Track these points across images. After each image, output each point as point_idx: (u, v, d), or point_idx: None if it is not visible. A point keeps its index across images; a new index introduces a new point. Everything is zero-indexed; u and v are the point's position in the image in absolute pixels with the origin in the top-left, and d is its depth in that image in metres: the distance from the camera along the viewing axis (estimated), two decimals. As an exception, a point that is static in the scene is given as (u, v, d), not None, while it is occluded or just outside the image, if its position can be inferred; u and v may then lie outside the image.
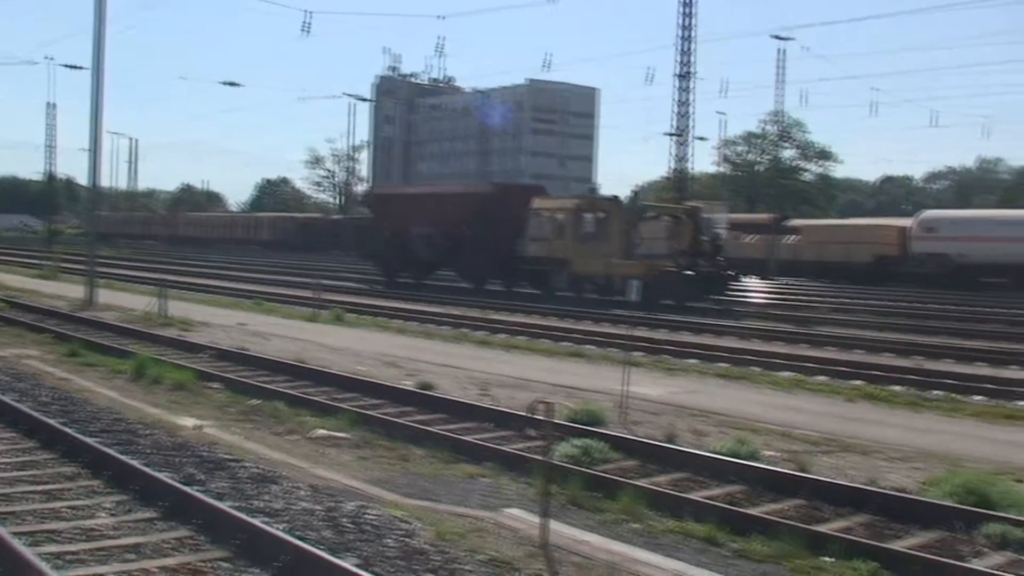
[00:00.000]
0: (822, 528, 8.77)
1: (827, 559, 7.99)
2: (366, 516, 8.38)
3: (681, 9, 56.89)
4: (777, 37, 75.98)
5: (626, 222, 36.44)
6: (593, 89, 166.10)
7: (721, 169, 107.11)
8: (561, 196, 50.70)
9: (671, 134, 59.75)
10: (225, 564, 7.27)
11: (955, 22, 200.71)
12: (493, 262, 39.93)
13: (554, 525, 8.19)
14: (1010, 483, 10.11)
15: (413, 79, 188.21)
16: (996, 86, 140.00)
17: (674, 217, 37.42)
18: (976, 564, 7.95)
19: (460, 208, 40.75)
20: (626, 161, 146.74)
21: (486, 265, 40.42)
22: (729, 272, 36.16)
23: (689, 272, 33.52)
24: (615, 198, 40.95)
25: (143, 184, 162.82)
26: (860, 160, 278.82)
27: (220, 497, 8.84)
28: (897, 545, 8.44)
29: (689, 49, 56.90)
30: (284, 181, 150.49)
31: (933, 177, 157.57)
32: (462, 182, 49.17)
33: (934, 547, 8.48)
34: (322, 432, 12.37)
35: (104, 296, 30.28)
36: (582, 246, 36.33)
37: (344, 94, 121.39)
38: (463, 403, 14.19)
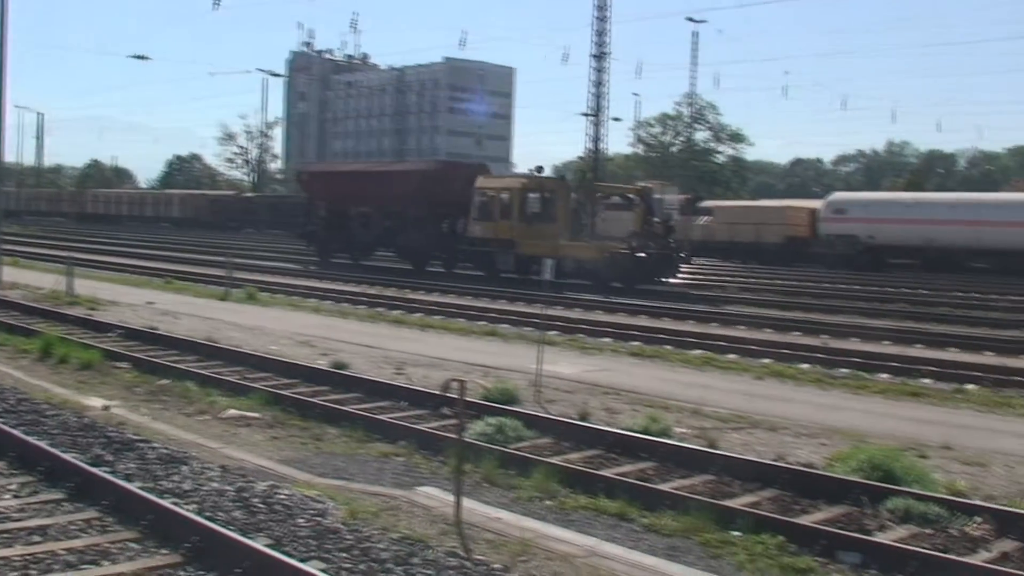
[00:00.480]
0: (731, 503, 8.92)
1: (736, 533, 8.14)
2: (278, 496, 8.32)
3: (597, -10, 56.98)
4: (691, 19, 76.63)
5: (576, 203, 35.77)
6: (510, 68, 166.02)
7: (636, 150, 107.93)
8: (506, 175, 50.41)
9: (587, 114, 59.96)
10: (134, 545, 7.17)
11: (865, 6, 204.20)
12: (435, 243, 39.07)
13: (468, 503, 8.22)
14: (914, 458, 10.37)
15: (328, 55, 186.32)
16: (904, 71, 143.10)
17: (625, 198, 36.84)
18: (880, 537, 8.16)
19: (401, 186, 39.52)
20: (542, 141, 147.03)
21: (427, 246, 39.40)
22: (681, 255, 35.66)
23: (641, 254, 32.91)
24: (562, 178, 40.47)
25: (50, 160, 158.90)
26: (771, 143, 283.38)
27: (128, 478, 8.71)
28: (804, 519, 8.62)
29: (604, 30, 57.08)
30: (195, 158, 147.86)
31: (843, 160, 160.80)
32: (404, 159, 46.96)
33: (840, 521, 8.68)
34: (233, 412, 12.24)
35: (9, 274, 29.52)
36: (528, 227, 35.58)
37: (257, 70, 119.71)
38: (378, 382, 14.13)
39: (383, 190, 40.11)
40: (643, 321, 24.18)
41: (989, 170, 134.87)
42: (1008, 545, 8.08)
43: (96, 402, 12.51)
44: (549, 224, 35.42)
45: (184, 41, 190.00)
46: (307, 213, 46.00)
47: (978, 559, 7.74)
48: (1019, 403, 14.26)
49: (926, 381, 16.19)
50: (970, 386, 15.67)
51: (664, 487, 9.41)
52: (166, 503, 7.78)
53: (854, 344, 20.75)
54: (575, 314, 25.01)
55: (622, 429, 11.45)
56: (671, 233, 35.23)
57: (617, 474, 9.81)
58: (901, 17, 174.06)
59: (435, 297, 29.24)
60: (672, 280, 34.55)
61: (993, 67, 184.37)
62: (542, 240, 34.64)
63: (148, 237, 66.59)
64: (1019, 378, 16.29)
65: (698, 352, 18.79)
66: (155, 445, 10.05)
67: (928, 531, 8.40)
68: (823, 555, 7.74)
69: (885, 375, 16.74)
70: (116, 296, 25.46)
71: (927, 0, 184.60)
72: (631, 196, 36.27)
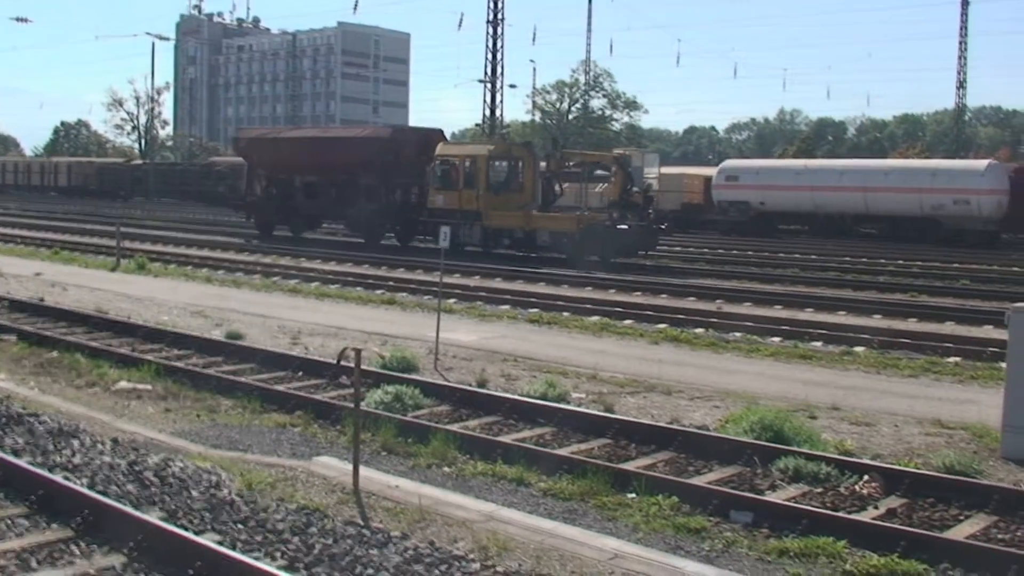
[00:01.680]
0: (627, 466, 9.04)
1: (631, 496, 8.25)
2: (171, 469, 8.18)
3: (492, -45, 56.73)
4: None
5: (546, 172, 33.90)
6: (406, 34, 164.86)
7: (533, 117, 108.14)
8: (468, 142, 48.78)
9: (483, 81, 59.68)
10: (23, 521, 7.00)
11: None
12: (388, 214, 36.68)
13: (365, 471, 8.20)
14: (803, 419, 10.63)
15: (218, 19, 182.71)
16: (795, 39, 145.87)
17: (600, 167, 35.34)
18: (771, 496, 8.34)
19: (352, 154, 36.67)
20: (440, 108, 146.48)
21: (381, 217, 36.74)
22: (661, 226, 33.53)
23: (623, 226, 30.77)
24: (529, 144, 38.27)
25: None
26: (666, 110, 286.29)
27: (16, 453, 8.50)
28: (697, 480, 8.77)
29: (500, -5, 56.84)
30: (82, 124, 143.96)
31: (736, 127, 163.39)
32: (354, 125, 43.00)
33: (732, 481, 8.86)
34: (124, 384, 12.00)
35: None
36: (495, 197, 33.22)
37: (145, 33, 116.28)
38: (273, 352, 13.98)
39: (332, 158, 37.39)
40: (541, 288, 24.29)
41: (877, 138, 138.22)
42: (895, 502, 8.32)
43: (-20, 376, 12.16)
44: (517, 194, 33.69)
45: (69, 3, 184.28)
46: (246, 183, 42.82)
47: (866, 516, 7.96)
48: (906, 364, 14.67)
49: (816, 344, 16.57)
50: (859, 348, 16.08)
51: (562, 452, 9.50)
52: (56, 477, 7.62)
53: (747, 309, 21.12)
54: (474, 282, 25.01)
55: (520, 395, 11.51)
56: (651, 204, 33.30)
57: (515, 440, 9.87)
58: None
59: (332, 266, 28.96)
60: (651, 253, 32.53)
61: (882, 36, 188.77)
62: (510, 211, 32.90)
63: (35, 206, 64.81)
64: (906, 340, 16.75)
65: (595, 318, 18.96)
66: (44, 419, 9.81)
67: (818, 490, 8.62)
68: (716, 515, 7.90)
69: (777, 339, 17.08)
70: (1, 267, 24.70)
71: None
72: (608, 164, 34.26)
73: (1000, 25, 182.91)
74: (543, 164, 34.95)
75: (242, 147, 44.19)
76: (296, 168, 39.35)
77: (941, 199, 42.92)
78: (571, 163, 35.88)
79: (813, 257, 35.38)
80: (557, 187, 33.63)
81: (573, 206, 34.38)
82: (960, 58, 69.90)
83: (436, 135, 38.45)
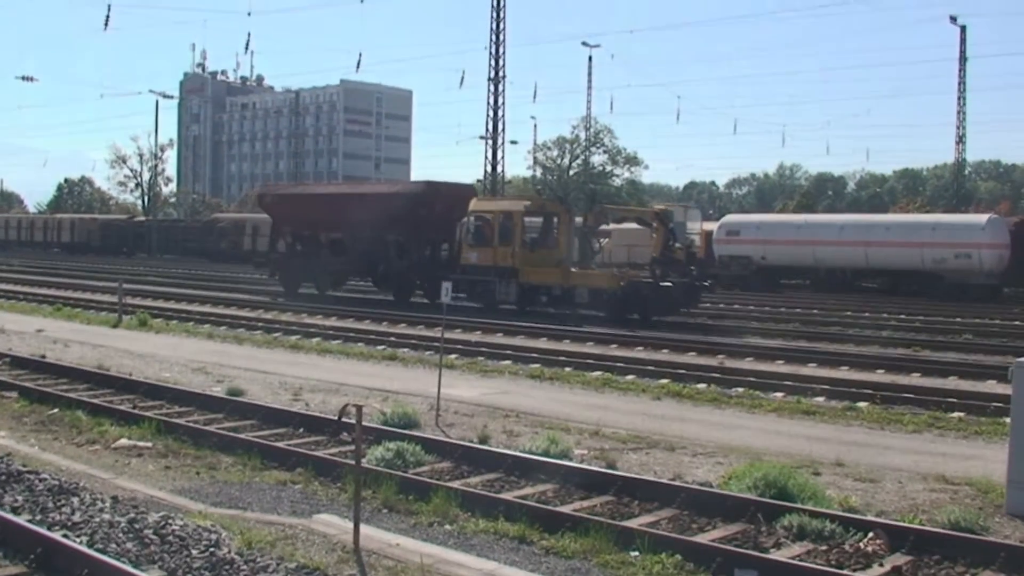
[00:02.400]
0: (630, 523, 8.97)
1: (634, 554, 8.17)
2: (171, 527, 8.12)
3: (492, 13, 57.31)
4: (585, 44, 77.46)
5: (585, 227, 32.95)
6: (408, 91, 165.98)
7: (534, 173, 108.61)
8: (504, 197, 47.53)
9: (484, 137, 60.08)
10: (19, 581, 6.94)
11: (752, 34, 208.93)
12: (420, 271, 35.46)
13: (366, 529, 8.13)
14: (807, 475, 10.55)
15: (221, 77, 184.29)
16: (794, 95, 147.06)
17: (642, 222, 34.17)
18: (776, 555, 8.27)
19: (383, 209, 35.53)
20: (441, 164, 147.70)
21: (412, 274, 35.77)
22: (705, 282, 32.70)
23: (666, 283, 29.96)
24: (563, 199, 38.25)
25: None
26: (666, 166, 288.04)
27: (16, 510, 8.45)
28: (701, 538, 8.69)
29: (499, 53, 57.34)
30: (86, 181, 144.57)
31: (736, 183, 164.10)
32: (384, 180, 41.56)
33: (736, 539, 8.78)
34: (125, 442, 11.95)
35: None
36: (532, 253, 32.43)
37: (149, 91, 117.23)
38: (274, 408, 13.94)
39: (361, 214, 35.90)
40: (543, 343, 24.26)
41: (877, 192, 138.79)
42: (901, 560, 8.24)
43: (-19, 433, 12.11)
44: (552, 250, 32.75)
45: (74, 62, 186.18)
46: (271, 240, 42.45)
47: (872, 574, 7.88)
48: (909, 420, 14.61)
49: (819, 399, 16.51)
50: (862, 403, 16.00)
51: (564, 509, 9.42)
52: (55, 535, 7.57)
53: (749, 363, 21.08)
54: (475, 337, 24.99)
55: (522, 452, 11.45)
56: (693, 259, 32.53)
57: (517, 497, 9.80)
58: (789, 43, 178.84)
59: (333, 322, 28.96)
60: (693, 310, 31.77)
61: (880, 91, 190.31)
62: (549, 268, 31.99)
63: (38, 263, 65.02)
64: (909, 395, 16.71)
65: (597, 373, 18.91)
66: (44, 476, 9.75)
67: (823, 547, 8.54)
68: (720, 573, 7.81)
69: (779, 394, 17.02)
70: (3, 324, 24.74)
71: (814, 27, 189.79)
72: (649, 220, 33.05)
73: (997, 80, 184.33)
74: (580, 220, 34.27)
75: (267, 203, 43.39)
76: (323, 224, 38.63)
77: (942, 253, 43.03)
78: (609, 219, 34.81)
79: (815, 311, 35.37)
80: (595, 243, 32.64)
81: (617, 262, 33.55)
82: (959, 113, 70.34)
83: (467, 190, 37.99)
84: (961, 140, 71.40)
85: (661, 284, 29.92)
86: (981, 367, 20.33)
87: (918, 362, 21.43)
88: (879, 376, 19.39)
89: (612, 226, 34.04)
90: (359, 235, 36.92)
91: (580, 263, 32.11)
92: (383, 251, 36.33)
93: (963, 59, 69.00)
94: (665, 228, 31.55)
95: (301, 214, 39.61)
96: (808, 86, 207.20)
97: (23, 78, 62.52)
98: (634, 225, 36.46)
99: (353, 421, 8.20)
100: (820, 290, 46.38)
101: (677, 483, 10.34)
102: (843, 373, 19.78)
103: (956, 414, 15.21)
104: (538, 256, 32.46)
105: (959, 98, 69.80)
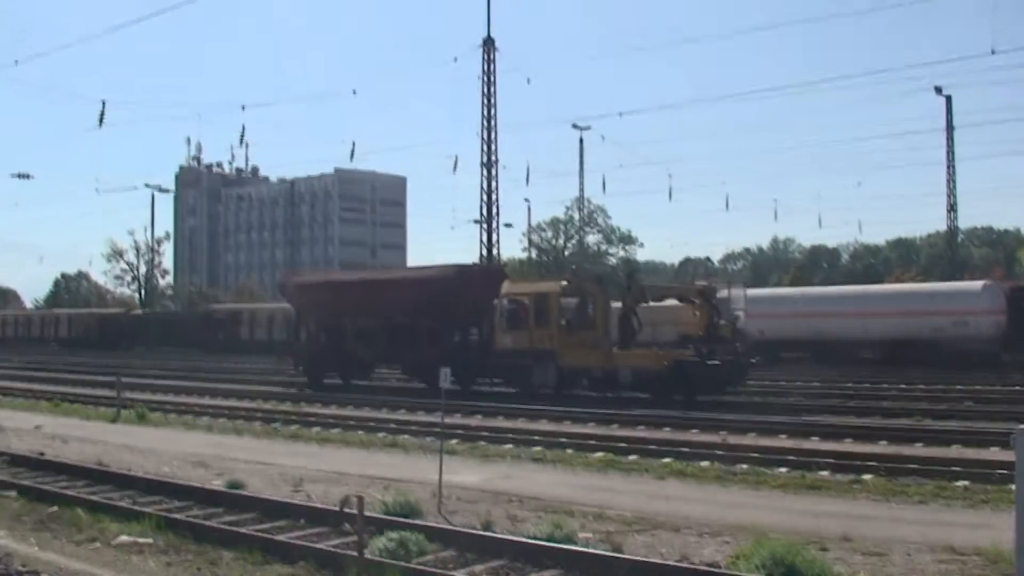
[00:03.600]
0: (638, 608, 8.84)
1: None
2: (173, 626, 8.01)
3: (483, 100, 58.02)
4: (576, 126, 78.17)
5: (625, 307, 31.92)
6: (402, 178, 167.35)
7: (529, 254, 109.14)
8: (536, 279, 46.75)
9: (478, 221, 60.46)
10: None
11: (740, 111, 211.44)
12: (451, 357, 33.32)
13: (371, 623, 8.01)
14: (815, 552, 10.43)
15: (217, 169, 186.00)
16: (783, 170, 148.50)
17: (683, 299, 33.65)
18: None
19: (413, 295, 35.26)
20: (436, 249, 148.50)
21: (443, 361, 34.55)
22: (752, 360, 32.17)
23: (714, 361, 29.20)
24: (599, 278, 36.96)
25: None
26: (660, 243, 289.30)
27: (13, 615, 8.33)
28: (711, 620, 8.57)
29: (491, 138, 57.93)
30: (83, 276, 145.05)
31: (730, 258, 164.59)
32: (414, 267, 39.91)
33: (746, 620, 8.65)
34: (125, 538, 11.81)
35: None
36: (570, 335, 31.79)
37: (145, 185, 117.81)
38: (274, 501, 13.80)
39: (390, 301, 35.93)
40: (543, 425, 24.15)
41: (872, 263, 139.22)
42: (912, 635, 8.12)
43: (-22, 535, 11.99)
44: (591, 330, 31.97)
45: (69, 159, 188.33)
46: (294, 329, 41.74)
47: (884, 651, 7.77)
48: (915, 491, 14.51)
49: (823, 473, 16.39)
50: (867, 476, 15.90)
51: (570, 595, 9.30)
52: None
53: (752, 439, 20.97)
54: (476, 421, 24.88)
55: (526, 537, 11.33)
56: (739, 336, 31.70)
57: (523, 584, 9.67)
58: (776, 119, 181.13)
59: (333, 410, 28.85)
60: (740, 389, 31.11)
61: (870, 163, 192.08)
62: (589, 349, 31.28)
63: (36, 359, 64.94)
64: (913, 465, 16.59)
65: (599, 454, 18.79)
66: (43, 577, 9.64)
67: (834, 626, 8.42)
68: (732, 656, 7.69)
69: (784, 469, 16.91)
70: (1, 421, 24.67)
71: (800, 102, 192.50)
72: (692, 297, 32.19)
73: (985, 148, 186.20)
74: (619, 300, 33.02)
75: (289, 292, 42.53)
76: (349, 312, 37.81)
77: (940, 321, 43.09)
78: (649, 296, 33.95)
79: (815, 384, 35.28)
80: (635, 322, 31.67)
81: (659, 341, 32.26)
82: (948, 181, 70.85)
83: (498, 273, 37.50)
84: (952, 208, 71.86)
85: (708, 362, 29.06)
86: (984, 434, 20.23)
87: (921, 431, 21.36)
88: (883, 447, 19.27)
89: (652, 304, 33.59)
90: (387, 322, 36.30)
91: (620, 343, 31.30)
92: (413, 338, 35.48)
93: (950, 128, 69.67)
94: (709, 304, 30.75)
95: (325, 302, 38.81)
96: (798, 160, 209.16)
97: (18, 175, 63.19)
98: (675, 302, 36.13)
99: (355, 511, 8.13)
100: (820, 362, 46.33)
101: (684, 564, 10.22)
102: (847, 446, 19.67)
103: (961, 483, 15.11)
104: (577, 337, 31.69)
105: (948, 167, 70.38)
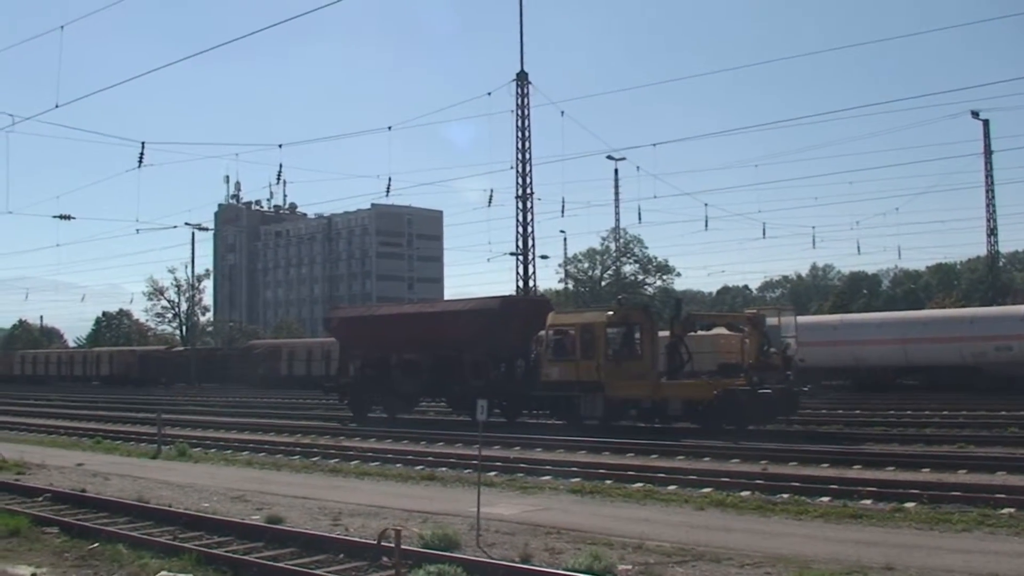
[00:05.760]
0: (678, 640, 8.77)
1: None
2: (212, 661, 8.02)
3: (517, 133, 58.17)
4: (610, 157, 78.18)
5: (673, 335, 31.40)
6: (438, 211, 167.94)
7: (566, 285, 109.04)
8: (583, 309, 46.73)
9: (514, 254, 60.49)
10: None
11: (775, 139, 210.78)
12: (497, 390, 33.86)
13: (409, 656, 7.99)
14: (857, 582, 10.32)
15: (255, 207, 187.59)
16: (821, 198, 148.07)
17: (732, 327, 33.35)
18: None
19: (458, 328, 35.06)
20: (473, 282, 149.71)
21: (488, 393, 31.87)
22: (803, 388, 31.64)
23: (766, 390, 28.65)
24: (646, 307, 36.68)
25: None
26: (698, 273, 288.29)
27: (55, 652, 8.37)
28: (752, 652, 8.48)
29: (526, 171, 58.01)
30: (124, 314, 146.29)
31: (768, 285, 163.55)
32: (459, 299, 39.87)
33: (788, 651, 8.55)
34: (165, 574, 11.86)
35: (-69, 443, 28.75)
36: (617, 365, 31.18)
37: (185, 224, 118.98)
38: (313, 535, 13.82)
39: (435, 334, 35.70)
40: (582, 456, 24.06)
41: (912, 288, 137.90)
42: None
43: (24, 571, 12.09)
44: (639, 361, 31.42)
45: (110, 199, 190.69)
46: (340, 363, 41.69)
47: None
48: (958, 519, 14.32)
49: (866, 502, 16.22)
50: (909, 504, 15.72)
51: (610, 627, 9.23)
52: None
53: (793, 469, 20.79)
54: (514, 453, 24.83)
55: (565, 569, 11.26)
56: (790, 364, 30.83)
57: (562, 616, 9.61)
58: (812, 146, 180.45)
59: (372, 443, 28.90)
60: (793, 418, 30.75)
61: (908, 189, 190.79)
62: (635, 379, 30.77)
63: (78, 396, 65.54)
64: (957, 493, 16.39)
65: (639, 485, 18.70)
66: (83, 615, 9.69)
67: (877, 656, 8.30)
68: None
69: (825, 498, 16.76)
70: (44, 458, 24.84)
71: (837, 129, 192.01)
72: (741, 325, 31.96)
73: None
74: (668, 330, 32.75)
75: (334, 327, 42.69)
76: (393, 346, 37.77)
77: (982, 347, 42.61)
78: (697, 326, 33.51)
79: (857, 412, 34.94)
80: (684, 351, 31.09)
81: (709, 371, 32.06)
82: (988, 206, 70.21)
83: (543, 304, 37.32)
84: (993, 232, 71.16)
85: (759, 391, 28.58)
86: (1030, 461, 19.96)
87: (964, 458, 21.07)
88: (925, 475, 19.04)
89: (700, 333, 33.08)
90: (431, 355, 36.26)
91: (668, 373, 30.90)
92: (458, 370, 35.35)
93: (988, 152, 69.10)
94: (759, 332, 30.33)
95: (370, 336, 38.86)
96: (835, 187, 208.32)
97: (60, 216, 63.77)
98: (724, 331, 35.65)
99: (393, 545, 8.12)
100: (861, 389, 45.90)
101: (724, 595, 10.12)
102: (889, 474, 19.46)
103: (1006, 510, 14.92)
104: (624, 368, 31.20)
105: (987, 191, 69.77)
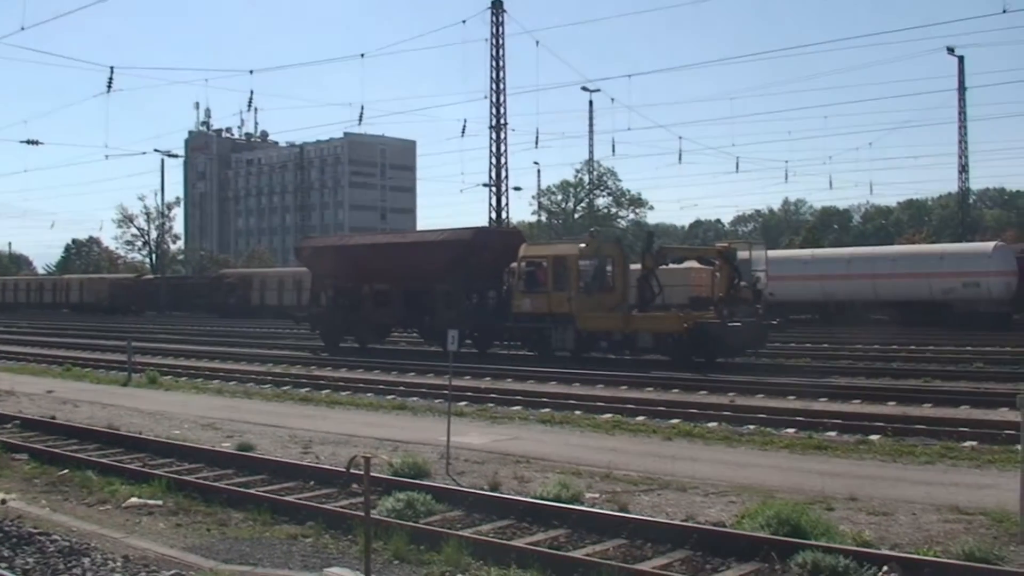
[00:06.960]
0: (643, 567, 8.90)
1: (649, 597, 8.10)
2: (182, 585, 8.09)
3: (491, 63, 57.70)
4: (585, 88, 77.82)
5: (644, 268, 31.41)
6: (411, 142, 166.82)
7: (539, 218, 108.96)
8: (556, 241, 46.18)
9: (487, 185, 60.30)
10: (29, 646, 6.91)
11: (751, 73, 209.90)
12: (468, 321, 33.66)
13: (377, 581, 8.08)
14: (820, 511, 10.49)
15: (226, 134, 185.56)
16: (794, 132, 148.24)
17: (704, 261, 33.37)
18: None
19: (431, 259, 34.84)
20: (445, 212, 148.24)
21: (460, 324, 31.13)
22: (773, 321, 31.82)
23: (735, 323, 28.98)
24: (619, 240, 36.55)
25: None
26: (670, 206, 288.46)
27: (27, 573, 8.44)
28: (715, 579, 8.63)
29: (500, 101, 57.65)
30: (93, 241, 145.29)
31: (741, 220, 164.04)
32: (432, 230, 39.10)
33: (750, 578, 8.71)
34: (135, 500, 11.92)
35: (-102, 369, 28.62)
36: (589, 298, 31.42)
37: (154, 150, 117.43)
38: (284, 462, 13.91)
39: (408, 264, 35.72)
40: (552, 387, 24.21)
41: (883, 224, 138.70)
42: (915, 593, 8.17)
43: (-9, 497, 12.10)
44: (610, 293, 31.98)
45: (78, 125, 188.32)
46: (311, 293, 41.61)
47: (887, 609, 7.81)
48: (922, 451, 14.55)
49: (831, 434, 16.43)
50: (874, 437, 15.94)
51: (576, 554, 9.37)
52: (64, 599, 7.53)
53: (760, 401, 21.01)
54: (485, 384, 24.94)
55: (533, 497, 11.39)
56: (760, 297, 30.91)
57: (529, 543, 9.74)
58: (788, 80, 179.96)
59: (343, 373, 28.96)
60: (761, 351, 31.00)
61: (881, 124, 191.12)
62: (607, 312, 31.15)
63: (47, 324, 65.15)
64: (921, 426, 16.63)
65: (607, 416, 18.86)
66: (55, 538, 9.74)
67: (837, 583, 8.46)
68: (736, 614, 7.75)
69: (791, 430, 16.96)
70: (13, 386, 24.78)
71: (812, 63, 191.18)
72: (712, 258, 31.70)
73: (998, 109, 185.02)
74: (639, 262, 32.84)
75: (306, 256, 42.35)
76: (365, 276, 37.76)
77: (950, 283, 43.01)
78: (669, 259, 33.49)
79: (825, 346, 35.26)
80: (655, 284, 31.21)
81: (679, 303, 32.18)
82: (960, 143, 70.55)
83: (516, 236, 37.04)
84: (964, 169, 71.61)
85: (729, 324, 28.81)
86: (993, 395, 20.26)
87: (929, 392, 21.32)
88: (891, 408, 19.30)
89: (672, 266, 33.04)
90: (403, 286, 36.40)
91: (639, 306, 31.14)
92: (430, 301, 35.45)
93: (962, 89, 69.33)
94: (730, 266, 30.21)
95: (342, 266, 38.69)
96: (809, 122, 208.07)
97: (28, 142, 62.81)
98: (695, 264, 35.74)
99: (362, 472, 8.18)
100: (829, 324, 46.29)
101: (690, 524, 10.28)
102: (855, 407, 19.71)
103: (968, 443, 15.16)
104: (595, 301, 31.50)
105: (960, 128, 70.07)
